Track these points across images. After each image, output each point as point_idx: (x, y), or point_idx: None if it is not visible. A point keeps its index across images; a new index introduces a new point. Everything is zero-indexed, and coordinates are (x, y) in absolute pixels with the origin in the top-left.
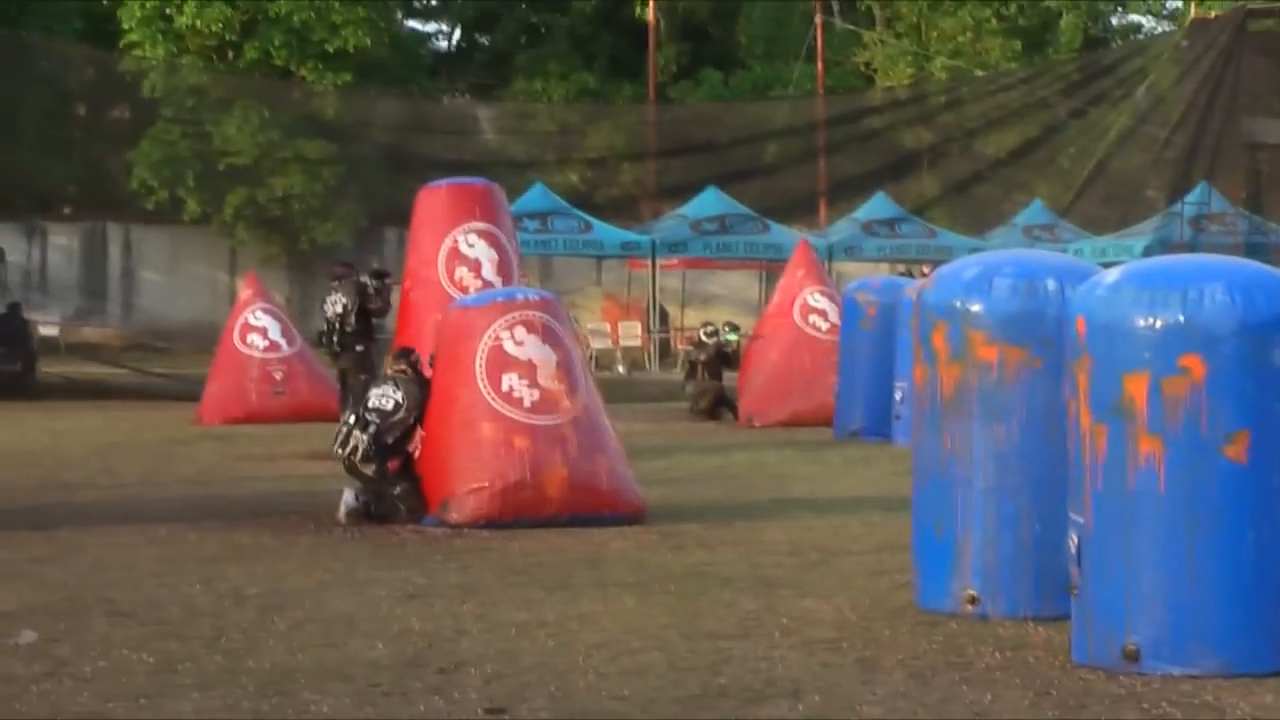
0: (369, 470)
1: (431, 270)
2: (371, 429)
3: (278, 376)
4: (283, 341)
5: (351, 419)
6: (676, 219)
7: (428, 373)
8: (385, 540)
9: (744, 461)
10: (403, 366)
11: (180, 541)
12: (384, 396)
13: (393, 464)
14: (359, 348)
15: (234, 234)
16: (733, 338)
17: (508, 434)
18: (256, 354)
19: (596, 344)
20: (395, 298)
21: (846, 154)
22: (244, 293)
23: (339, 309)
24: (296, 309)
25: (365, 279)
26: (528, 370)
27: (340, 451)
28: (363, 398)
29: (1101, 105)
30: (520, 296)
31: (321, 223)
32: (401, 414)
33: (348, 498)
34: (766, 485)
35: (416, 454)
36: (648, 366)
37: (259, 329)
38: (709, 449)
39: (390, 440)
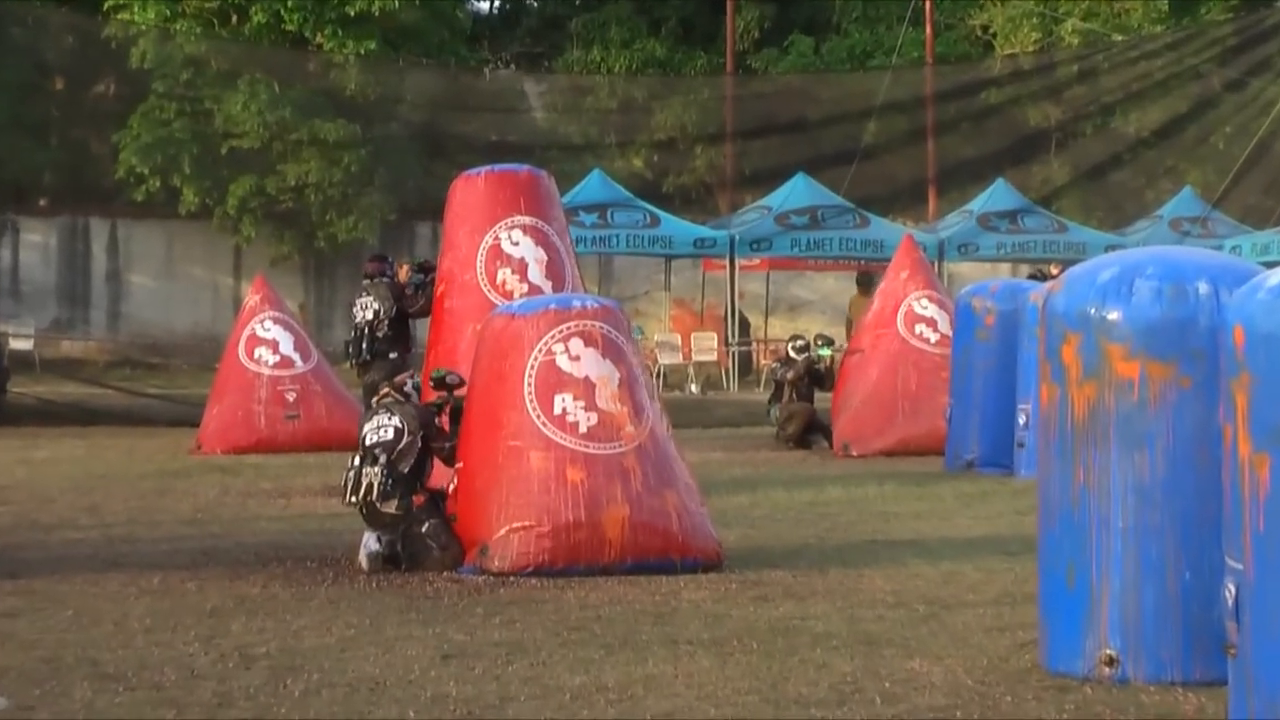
0: (391, 508)
1: (469, 272)
2: (382, 460)
3: (290, 398)
4: (296, 356)
5: (356, 460)
6: (759, 211)
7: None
8: (416, 590)
9: (839, 497)
10: (385, 391)
11: (177, 592)
12: (380, 428)
13: (418, 499)
14: (392, 355)
15: (239, 230)
16: (825, 352)
17: (560, 465)
18: (265, 371)
19: (665, 359)
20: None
21: (960, 134)
22: (251, 299)
23: (369, 314)
24: (313, 318)
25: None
26: (584, 390)
27: (354, 499)
28: (359, 439)
29: (1264, 75)
30: (576, 304)
31: (342, 217)
32: (407, 438)
33: (369, 541)
34: (866, 525)
35: (451, 488)
36: (725, 386)
37: (269, 342)
38: (798, 482)
39: (406, 468)
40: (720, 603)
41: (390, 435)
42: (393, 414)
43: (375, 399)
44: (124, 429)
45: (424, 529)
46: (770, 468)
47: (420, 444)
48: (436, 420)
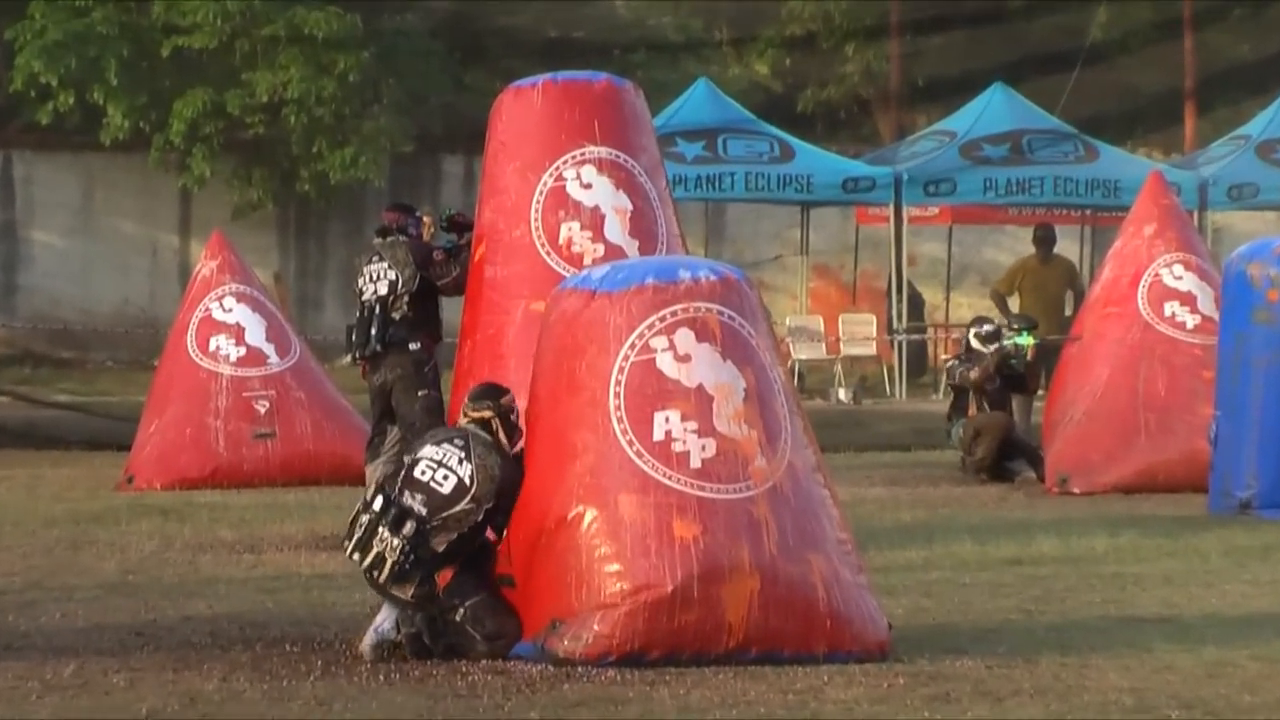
0: (405, 593)
1: (520, 227)
2: (409, 528)
3: (261, 409)
4: (270, 349)
5: (378, 500)
6: (937, 139)
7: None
8: (443, 684)
9: (1054, 552)
10: (485, 414)
11: (98, 688)
12: (441, 467)
13: (445, 574)
14: (413, 345)
15: (187, 167)
16: (1025, 341)
17: (663, 512)
18: (226, 370)
19: (801, 353)
20: None
21: (1232, 26)
22: (204, 266)
23: (382, 288)
24: (294, 294)
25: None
26: (697, 405)
27: (358, 559)
28: (407, 455)
29: None
30: (685, 276)
31: (335, 148)
32: (466, 504)
33: (382, 623)
34: (1093, 593)
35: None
36: (889, 391)
37: (230, 328)
38: (993, 530)
39: (442, 546)
40: (882, 704)
41: (448, 487)
42: (471, 454)
43: (465, 419)
44: (21, 454)
45: (461, 615)
46: (953, 509)
47: (482, 518)
48: (517, 495)
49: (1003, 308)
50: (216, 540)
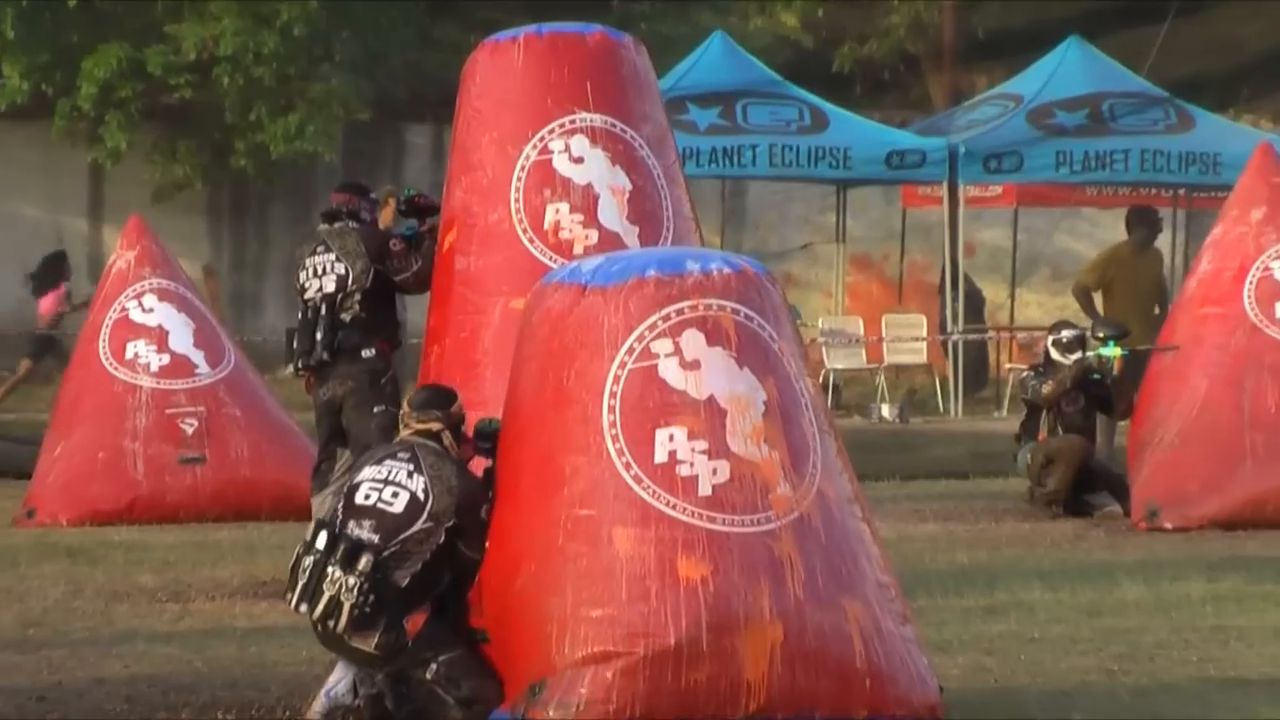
0: (368, 644)
1: (498, 209)
2: (365, 562)
3: (188, 428)
4: (198, 357)
5: (321, 537)
6: (1000, 104)
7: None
8: None
9: (1142, 600)
10: (433, 424)
11: None
12: (388, 484)
13: (415, 620)
14: (367, 351)
15: (99, 138)
16: (1112, 353)
17: (665, 549)
18: (146, 382)
19: (837, 361)
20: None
21: None
22: (120, 258)
23: (330, 284)
24: (227, 291)
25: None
26: (707, 421)
27: (306, 610)
28: (347, 483)
29: None
30: (693, 268)
31: (277, 115)
32: (424, 522)
33: (337, 685)
34: (1188, 650)
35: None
36: (942, 407)
37: (151, 331)
38: (1067, 574)
39: (405, 579)
40: None
41: (399, 506)
42: (421, 467)
43: (410, 431)
44: None
45: (432, 672)
46: (1020, 549)
47: (445, 539)
48: (485, 507)
49: (1089, 308)
50: (135, 587)
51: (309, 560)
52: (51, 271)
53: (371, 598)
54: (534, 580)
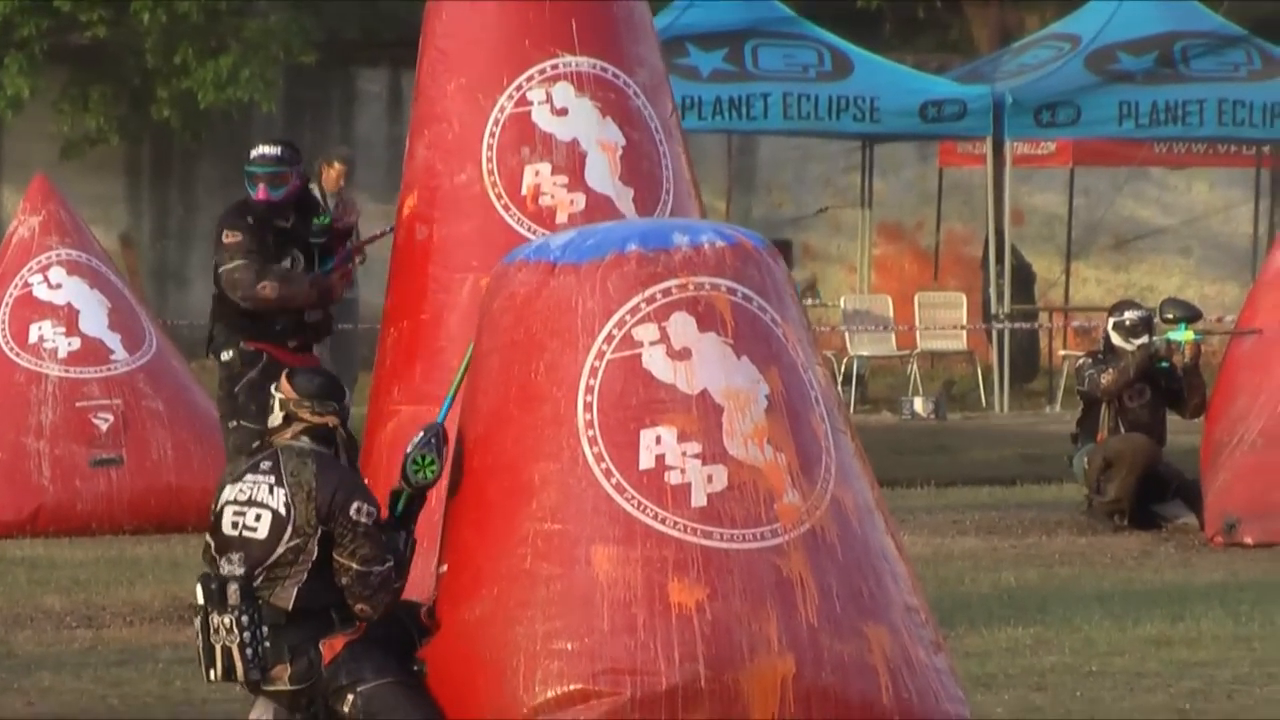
0: (282, 681)
1: (465, 170)
2: (232, 595)
3: (102, 424)
4: (114, 341)
5: (199, 590)
6: (1053, 46)
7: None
8: None
9: (1216, 630)
10: (329, 419)
11: None
12: (250, 506)
13: (334, 643)
14: (226, 354)
15: None
16: (1184, 337)
17: (654, 570)
18: (52, 370)
19: (862, 347)
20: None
21: None
22: (22, 225)
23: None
24: (146, 264)
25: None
26: (701, 418)
27: (215, 676)
28: (213, 506)
29: None
30: (681, 241)
31: (206, 58)
32: (289, 540)
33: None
34: (1271, 685)
35: (428, 608)
36: (985, 401)
37: (58, 311)
38: (1131, 598)
39: (289, 600)
40: None
41: (264, 532)
42: (279, 479)
43: (288, 436)
44: None
45: (350, 705)
46: (1076, 568)
47: (320, 551)
48: (360, 506)
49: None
50: (39, 610)
51: (198, 621)
52: None
53: (258, 631)
54: (496, 606)
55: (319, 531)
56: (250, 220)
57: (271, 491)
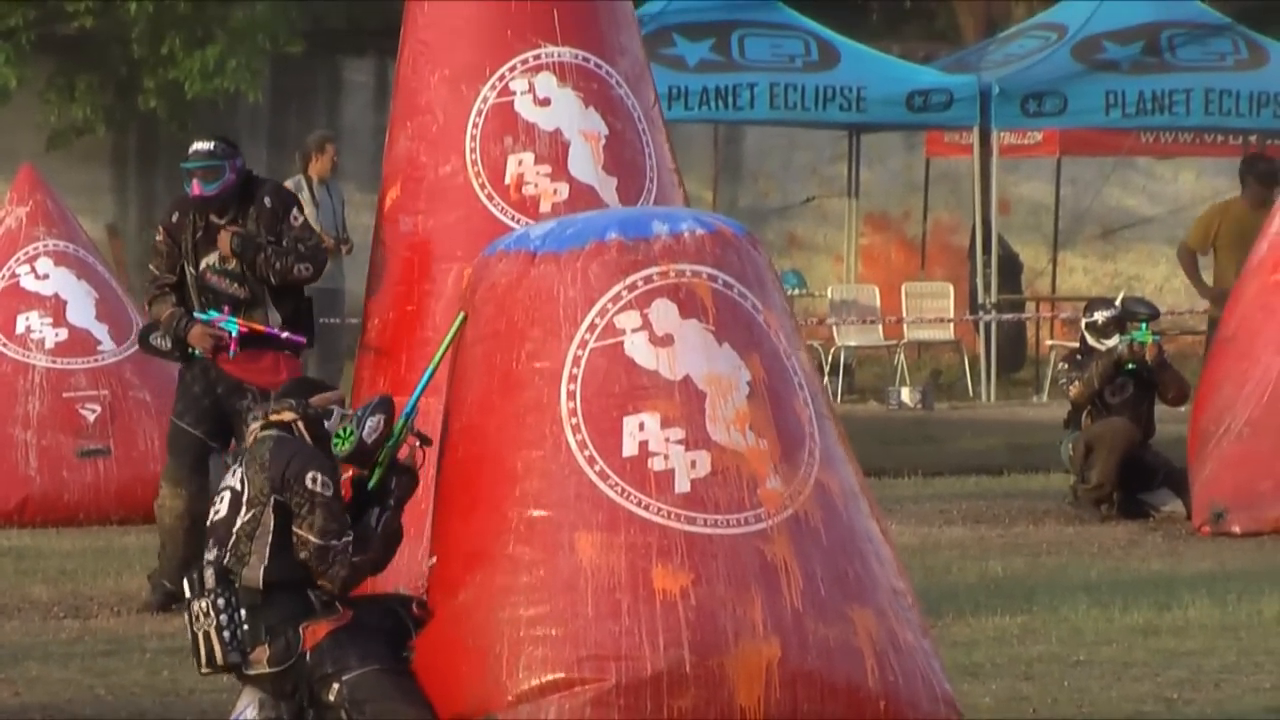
0: (261, 664)
1: (449, 160)
2: (208, 578)
3: (90, 415)
4: (101, 332)
5: (186, 584)
6: (1039, 36)
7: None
8: None
9: (1203, 619)
10: (284, 414)
11: None
12: (220, 493)
13: (317, 629)
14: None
15: None
16: (1144, 338)
17: (638, 556)
18: (39, 361)
19: (848, 338)
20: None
21: None
22: (10, 215)
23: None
24: (136, 254)
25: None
26: (684, 405)
27: (204, 668)
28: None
29: None
30: (661, 230)
31: (193, 48)
32: (246, 513)
33: (245, 713)
34: (1258, 675)
35: (421, 600)
36: (972, 391)
37: (46, 302)
38: (1118, 587)
39: (257, 579)
40: None
41: (225, 509)
42: (240, 462)
43: (259, 433)
44: None
45: (335, 693)
46: (1063, 557)
47: (274, 522)
48: (316, 476)
49: (1193, 274)
50: (26, 600)
51: (186, 616)
52: None
53: (235, 613)
54: (480, 592)
55: (271, 500)
56: (174, 218)
57: (233, 474)
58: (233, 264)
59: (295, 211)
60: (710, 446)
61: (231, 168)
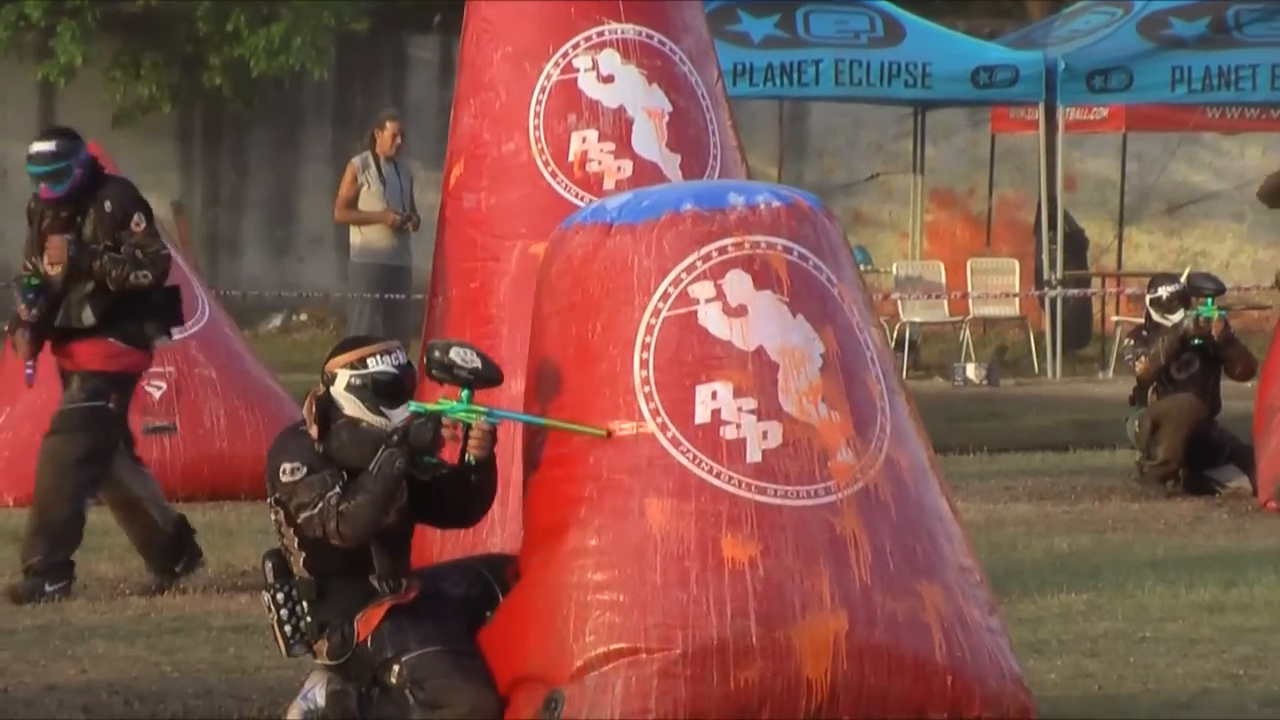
0: (323, 655)
1: (513, 137)
2: (268, 570)
3: (155, 392)
4: None
5: (269, 568)
6: (1105, 12)
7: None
8: None
9: (1270, 595)
10: (318, 387)
11: None
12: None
13: (371, 616)
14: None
15: (51, 52)
16: (1209, 312)
17: (707, 524)
18: None
19: (913, 314)
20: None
21: None
22: None
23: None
24: (201, 232)
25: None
26: (756, 375)
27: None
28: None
29: None
30: (737, 201)
31: (258, 26)
32: (271, 510)
33: (313, 691)
34: None
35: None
36: (1038, 368)
37: None
38: (1184, 564)
39: (306, 573)
40: None
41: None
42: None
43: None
44: None
45: (397, 675)
46: (1129, 534)
47: (284, 515)
48: (286, 466)
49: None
50: (92, 577)
51: (266, 598)
52: None
53: (297, 606)
54: (550, 556)
55: (272, 501)
56: (30, 204)
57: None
58: (56, 270)
59: (139, 216)
60: (782, 417)
61: (78, 163)
